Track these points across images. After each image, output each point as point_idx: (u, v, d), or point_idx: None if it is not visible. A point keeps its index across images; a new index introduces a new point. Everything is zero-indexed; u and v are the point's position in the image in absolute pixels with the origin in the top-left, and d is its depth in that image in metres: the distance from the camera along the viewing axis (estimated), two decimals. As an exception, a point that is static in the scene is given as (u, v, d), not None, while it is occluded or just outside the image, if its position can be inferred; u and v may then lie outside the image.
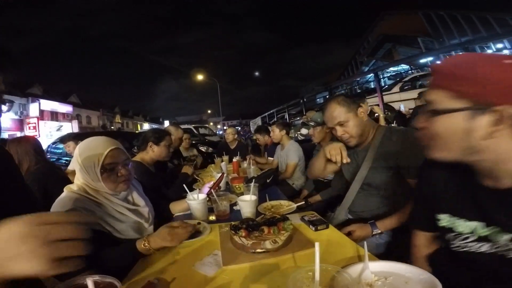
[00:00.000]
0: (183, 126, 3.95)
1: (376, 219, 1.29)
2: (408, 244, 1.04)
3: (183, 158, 3.10)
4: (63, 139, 4.22)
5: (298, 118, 9.18)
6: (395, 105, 5.96)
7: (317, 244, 0.57)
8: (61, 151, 5.75)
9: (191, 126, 10.56)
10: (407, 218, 1.14)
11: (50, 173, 2.08)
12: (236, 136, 3.97)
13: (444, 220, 0.74)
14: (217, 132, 16.96)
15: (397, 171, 1.23)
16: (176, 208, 1.44)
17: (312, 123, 2.36)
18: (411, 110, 4.27)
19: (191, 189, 1.34)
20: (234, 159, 2.65)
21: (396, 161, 1.22)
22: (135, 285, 0.72)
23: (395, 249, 1.22)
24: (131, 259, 0.90)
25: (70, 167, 3.49)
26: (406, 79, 7.83)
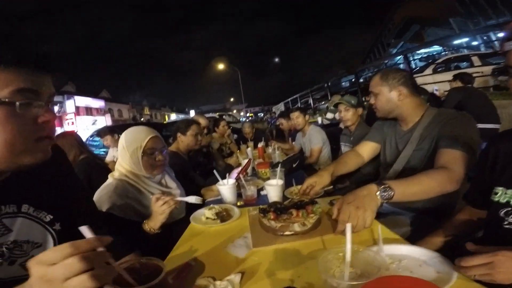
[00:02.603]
0: (207, 115, 4.05)
1: (414, 207, 1.23)
2: (426, 230, 1.00)
3: (220, 145, 3.22)
4: (100, 132, 4.52)
5: (323, 103, 8.96)
6: (428, 88, 5.62)
7: (348, 225, 0.57)
8: (98, 143, 6.18)
9: (215, 115, 10.71)
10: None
11: (94, 163, 2.26)
12: (252, 129, 4.16)
13: (500, 194, 0.73)
14: (241, 119, 17.07)
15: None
16: (208, 193, 1.52)
17: (344, 103, 2.27)
18: (446, 92, 4.04)
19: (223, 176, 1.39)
20: (259, 145, 2.68)
21: (438, 139, 1.12)
22: (175, 266, 0.77)
23: (413, 233, 1.17)
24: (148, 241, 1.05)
25: (108, 158, 3.76)
26: (439, 60, 7.41)
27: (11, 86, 0.51)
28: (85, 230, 0.44)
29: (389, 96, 1.25)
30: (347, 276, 0.56)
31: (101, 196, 1.14)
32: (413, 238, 1.12)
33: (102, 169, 2.26)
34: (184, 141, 1.99)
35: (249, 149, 2.83)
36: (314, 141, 2.80)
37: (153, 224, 1.07)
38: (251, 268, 0.74)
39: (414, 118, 1.26)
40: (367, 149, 1.47)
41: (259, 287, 0.67)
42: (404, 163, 1.26)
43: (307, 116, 2.98)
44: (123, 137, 1.23)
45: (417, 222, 1.25)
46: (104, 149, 5.11)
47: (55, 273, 0.39)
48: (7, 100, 0.51)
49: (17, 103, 0.51)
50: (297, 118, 2.96)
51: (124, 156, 1.20)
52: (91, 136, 6.89)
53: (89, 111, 22.46)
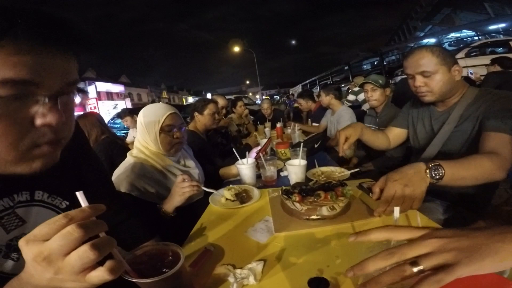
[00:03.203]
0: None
1: (449, 194, 1.12)
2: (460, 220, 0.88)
3: (237, 126, 3.17)
4: (120, 115, 4.62)
5: (343, 85, 8.71)
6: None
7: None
8: (119, 125, 6.37)
9: (232, 97, 10.67)
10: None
11: (115, 143, 2.29)
12: (271, 106, 3.96)
13: None
14: (256, 101, 17.01)
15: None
16: (226, 173, 1.47)
17: (371, 83, 2.10)
18: (483, 77, 3.83)
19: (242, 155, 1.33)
20: (278, 125, 2.58)
21: (484, 119, 1.00)
22: (192, 252, 0.72)
23: (445, 223, 1.05)
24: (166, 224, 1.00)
25: (128, 139, 3.83)
26: (475, 44, 7.02)
27: None
28: (81, 196, 0.38)
29: (449, 76, 1.07)
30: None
31: (119, 176, 1.11)
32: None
33: (123, 149, 2.28)
34: (201, 120, 1.95)
35: (267, 129, 2.75)
36: (342, 123, 2.64)
37: (167, 207, 1.01)
38: (273, 255, 0.67)
39: (454, 99, 1.13)
40: (393, 135, 1.37)
41: (284, 277, 0.60)
42: (441, 145, 1.14)
43: (329, 96, 2.80)
44: (141, 114, 1.18)
45: (450, 211, 1.14)
46: (125, 131, 5.25)
47: (53, 247, 0.33)
48: None
49: None
50: (321, 96, 2.91)
51: (142, 132, 1.16)
52: (112, 118, 7.12)
53: (109, 95, 23.15)
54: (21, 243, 0.35)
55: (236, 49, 22.45)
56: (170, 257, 0.49)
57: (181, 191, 0.98)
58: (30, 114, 0.39)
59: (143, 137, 1.16)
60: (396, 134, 1.36)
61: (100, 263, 0.35)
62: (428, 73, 1.06)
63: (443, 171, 0.75)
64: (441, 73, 1.05)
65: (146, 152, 1.15)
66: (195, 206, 1.15)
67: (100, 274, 0.35)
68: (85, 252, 0.34)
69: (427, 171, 0.75)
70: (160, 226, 0.95)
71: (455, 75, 1.07)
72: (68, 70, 0.42)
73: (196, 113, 1.95)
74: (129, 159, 1.16)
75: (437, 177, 0.75)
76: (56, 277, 0.35)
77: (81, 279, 0.35)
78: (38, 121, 0.39)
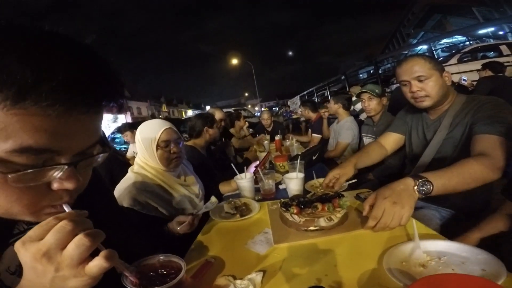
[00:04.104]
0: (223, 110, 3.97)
1: (446, 202, 1.14)
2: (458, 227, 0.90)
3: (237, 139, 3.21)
4: (120, 129, 4.64)
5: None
6: (454, 77, 5.35)
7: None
8: (119, 139, 6.40)
9: (231, 109, 10.75)
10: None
11: (115, 159, 2.31)
12: (272, 118, 3.98)
13: None
14: (256, 114, 17.16)
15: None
16: (225, 188, 1.48)
17: (368, 93, 2.15)
18: (475, 82, 3.90)
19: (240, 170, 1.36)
20: (277, 137, 2.61)
21: (472, 124, 1.04)
22: (194, 264, 0.74)
23: (442, 230, 1.07)
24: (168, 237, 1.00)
25: (128, 154, 3.85)
26: (466, 50, 7.03)
27: (11, 140, 0.32)
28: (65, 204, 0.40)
29: (442, 80, 1.11)
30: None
31: (121, 191, 1.13)
32: (443, 235, 1.03)
33: (123, 164, 2.30)
34: (211, 134, 1.98)
35: (266, 142, 2.77)
36: (343, 135, 2.63)
37: (175, 231, 1.01)
38: (273, 266, 0.69)
39: (445, 106, 1.17)
40: (390, 141, 1.39)
41: (283, 287, 0.62)
42: (434, 153, 1.18)
43: (337, 105, 2.78)
44: (139, 131, 1.22)
45: (447, 218, 1.16)
46: (125, 146, 5.27)
47: (49, 242, 0.35)
48: None
49: (9, 176, 0.33)
50: (330, 103, 2.93)
51: (140, 149, 1.20)
52: (112, 133, 7.16)
53: (109, 109, 23.26)
54: (18, 245, 0.36)
55: (235, 61, 22.86)
56: (172, 269, 0.52)
57: (181, 232, 0.97)
58: (46, 179, 0.37)
59: (142, 154, 1.19)
60: (393, 140, 1.38)
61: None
62: (424, 77, 1.09)
63: (431, 187, 0.78)
64: (435, 78, 1.09)
65: (147, 168, 1.18)
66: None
67: (98, 263, 0.36)
68: (81, 240, 0.35)
69: (415, 187, 0.77)
70: (162, 239, 0.96)
71: (446, 80, 1.12)
72: (95, 130, 0.40)
73: (206, 128, 1.96)
74: (130, 175, 1.18)
75: (425, 192, 0.77)
76: (57, 274, 0.35)
77: (82, 272, 0.36)
78: (55, 185, 0.38)
